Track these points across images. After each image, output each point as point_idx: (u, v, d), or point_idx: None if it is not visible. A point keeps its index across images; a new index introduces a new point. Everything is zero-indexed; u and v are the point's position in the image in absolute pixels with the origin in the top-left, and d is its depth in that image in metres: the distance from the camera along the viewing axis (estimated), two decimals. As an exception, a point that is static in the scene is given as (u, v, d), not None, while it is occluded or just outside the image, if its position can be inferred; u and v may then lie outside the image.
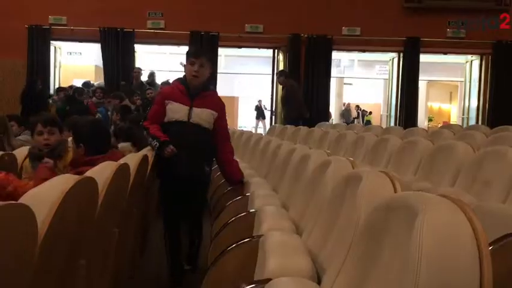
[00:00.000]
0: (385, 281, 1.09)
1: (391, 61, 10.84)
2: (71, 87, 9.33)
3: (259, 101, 16.55)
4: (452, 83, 15.46)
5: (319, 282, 1.48)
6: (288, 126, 7.41)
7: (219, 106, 3.21)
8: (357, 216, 1.40)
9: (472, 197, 2.46)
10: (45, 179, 1.58)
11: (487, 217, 2.03)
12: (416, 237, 0.92)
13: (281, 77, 8.66)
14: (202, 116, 3.11)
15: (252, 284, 1.40)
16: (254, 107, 16.96)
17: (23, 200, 1.37)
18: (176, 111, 3.10)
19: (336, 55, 10.31)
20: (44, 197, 1.43)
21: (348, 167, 1.96)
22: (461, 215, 0.98)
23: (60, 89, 8.87)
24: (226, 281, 1.79)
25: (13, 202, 1.19)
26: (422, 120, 15.82)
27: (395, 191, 1.44)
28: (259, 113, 16.72)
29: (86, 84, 9.81)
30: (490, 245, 1.74)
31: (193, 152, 3.08)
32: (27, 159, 2.67)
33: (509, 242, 1.77)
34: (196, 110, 3.11)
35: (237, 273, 1.80)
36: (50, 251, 1.50)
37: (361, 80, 17.22)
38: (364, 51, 10.80)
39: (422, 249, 0.89)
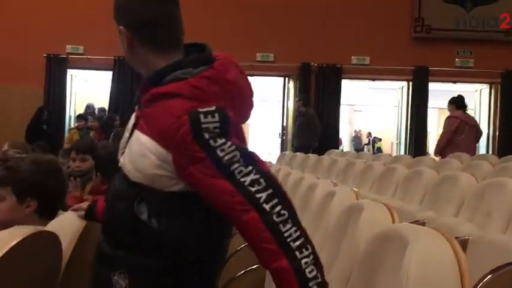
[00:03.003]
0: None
1: (400, 89, 10.97)
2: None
3: None
4: (464, 110, 15.48)
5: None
6: (298, 153, 7.51)
7: (168, 132, 1.18)
8: (357, 246, 1.50)
9: (474, 227, 2.54)
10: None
11: (487, 247, 2.12)
12: (405, 266, 1.02)
13: (301, 105, 8.97)
14: (131, 152, 1.28)
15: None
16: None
17: (50, 227, 1.49)
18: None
19: (345, 83, 10.48)
20: (68, 224, 1.55)
21: (352, 198, 2.06)
22: (448, 247, 1.08)
23: (80, 116, 9.12)
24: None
25: (42, 230, 1.32)
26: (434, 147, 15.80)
27: (393, 222, 1.54)
28: None
29: (88, 106, 10.05)
30: (488, 273, 1.84)
31: (106, 240, 1.34)
32: None
33: (507, 272, 1.86)
34: (132, 138, 1.31)
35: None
36: (72, 276, 1.61)
37: (372, 106, 17.33)
38: (373, 79, 10.95)
39: (409, 277, 0.99)
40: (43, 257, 1.34)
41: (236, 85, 1.26)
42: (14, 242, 1.17)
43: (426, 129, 10.52)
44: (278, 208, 1.12)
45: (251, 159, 1.16)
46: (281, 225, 1.11)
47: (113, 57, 9.69)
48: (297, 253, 1.10)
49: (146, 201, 1.22)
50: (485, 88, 10.74)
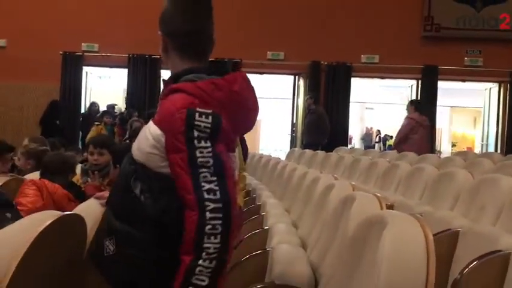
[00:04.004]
0: (363, 282, 1.37)
1: (410, 88, 11.07)
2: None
3: None
4: (476, 108, 15.53)
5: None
6: (307, 150, 7.67)
7: (167, 118, 1.38)
8: (348, 231, 1.68)
9: (466, 220, 2.69)
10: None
11: (476, 238, 2.30)
12: (381, 245, 1.19)
13: (311, 103, 9.14)
14: (140, 136, 1.48)
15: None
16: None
17: (77, 210, 1.68)
18: None
19: (356, 81, 10.59)
20: (92, 210, 1.74)
21: (349, 190, 2.24)
22: (420, 230, 1.25)
23: (105, 112, 9.37)
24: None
25: (71, 213, 1.50)
26: (446, 146, 15.90)
27: (381, 210, 1.72)
28: None
29: (93, 104, 10.30)
30: (474, 260, 2.02)
31: (108, 213, 1.52)
32: (78, 174, 3.05)
33: (491, 259, 2.04)
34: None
35: (251, 280, 2.07)
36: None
37: (383, 104, 17.37)
38: (382, 78, 11.06)
39: (384, 254, 1.17)
40: (72, 236, 1.53)
41: (239, 95, 1.39)
42: (49, 222, 1.36)
43: (435, 127, 10.60)
44: (216, 222, 1.26)
45: (221, 171, 1.30)
46: (206, 237, 1.26)
47: (127, 55, 9.92)
48: (201, 261, 1.26)
49: (139, 178, 1.39)
50: (494, 87, 10.79)
